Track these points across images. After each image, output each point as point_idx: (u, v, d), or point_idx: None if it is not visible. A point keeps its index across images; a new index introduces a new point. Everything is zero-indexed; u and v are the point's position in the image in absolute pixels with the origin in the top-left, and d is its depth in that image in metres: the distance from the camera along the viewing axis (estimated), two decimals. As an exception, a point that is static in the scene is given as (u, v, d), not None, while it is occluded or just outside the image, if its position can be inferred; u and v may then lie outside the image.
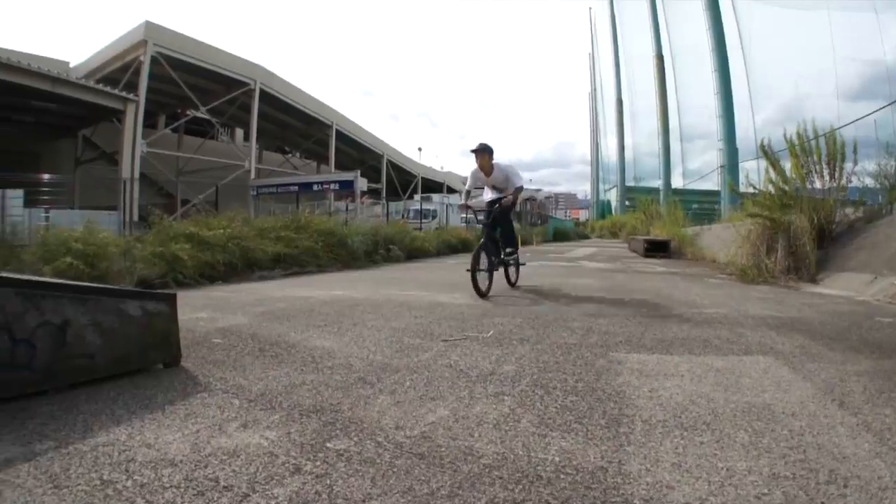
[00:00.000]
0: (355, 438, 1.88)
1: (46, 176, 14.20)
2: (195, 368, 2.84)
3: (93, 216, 10.68)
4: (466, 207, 6.62)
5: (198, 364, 2.92)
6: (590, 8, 72.15)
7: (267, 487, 1.55)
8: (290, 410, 2.20)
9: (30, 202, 11.60)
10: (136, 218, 13.90)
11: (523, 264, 6.93)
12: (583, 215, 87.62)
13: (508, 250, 6.33)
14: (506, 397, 2.33)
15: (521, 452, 1.76)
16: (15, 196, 10.81)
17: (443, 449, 1.80)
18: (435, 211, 27.13)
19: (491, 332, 3.72)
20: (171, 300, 2.87)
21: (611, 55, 56.35)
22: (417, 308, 4.89)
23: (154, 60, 17.50)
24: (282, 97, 23.50)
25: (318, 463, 1.70)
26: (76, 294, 2.47)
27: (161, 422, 2.08)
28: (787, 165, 9.02)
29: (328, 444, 1.84)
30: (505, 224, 6.28)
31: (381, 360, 3.01)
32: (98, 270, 5.69)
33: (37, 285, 2.38)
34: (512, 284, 6.58)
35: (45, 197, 12.69)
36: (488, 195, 6.31)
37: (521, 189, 6.18)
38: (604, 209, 59.12)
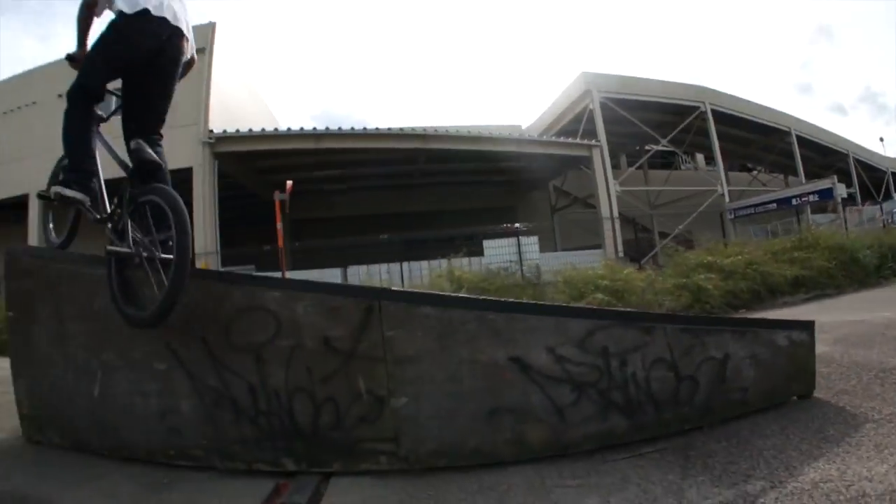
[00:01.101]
0: None
1: (518, 224, 17.27)
2: (829, 398, 2.81)
3: (578, 256, 12.44)
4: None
5: (827, 394, 2.88)
6: None
7: None
8: None
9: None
10: (620, 254, 15.44)
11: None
12: None
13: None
14: None
15: None
16: (530, 242, 13.46)
17: None
18: None
19: None
20: (810, 328, 2.80)
21: None
22: None
23: (603, 105, 19.19)
24: (733, 113, 22.26)
25: None
26: (735, 327, 2.69)
27: (857, 454, 2.14)
28: None
29: None
30: None
31: None
32: (626, 303, 6.52)
33: (697, 321, 2.73)
34: None
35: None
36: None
37: None
38: None
